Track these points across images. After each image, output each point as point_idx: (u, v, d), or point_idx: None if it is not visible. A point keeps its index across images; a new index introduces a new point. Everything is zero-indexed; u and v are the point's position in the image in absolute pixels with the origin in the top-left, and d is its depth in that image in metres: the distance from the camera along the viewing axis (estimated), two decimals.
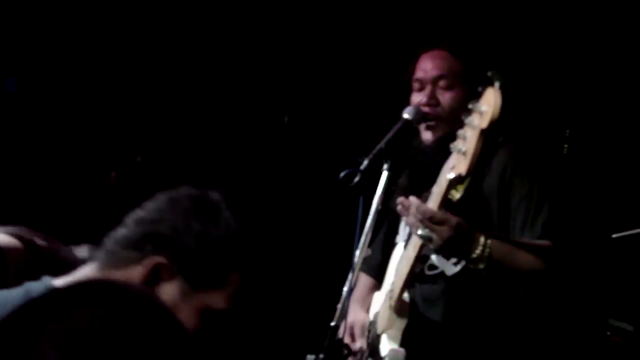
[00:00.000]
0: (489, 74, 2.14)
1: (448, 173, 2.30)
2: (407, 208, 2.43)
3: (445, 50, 2.76)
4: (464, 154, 2.20)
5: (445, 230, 2.37)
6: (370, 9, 4.20)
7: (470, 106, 2.19)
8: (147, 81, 4.32)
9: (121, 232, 1.70)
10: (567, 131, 4.06)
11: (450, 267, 2.63)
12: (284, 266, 4.18)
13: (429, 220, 2.37)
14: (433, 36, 2.88)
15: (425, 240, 2.40)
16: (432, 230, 2.38)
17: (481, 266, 2.44)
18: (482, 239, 2.43)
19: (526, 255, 2.53)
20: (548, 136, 3.92)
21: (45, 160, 4.26)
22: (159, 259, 1.64)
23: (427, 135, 2.71)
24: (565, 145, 4.00)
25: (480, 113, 2.14)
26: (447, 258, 2.59)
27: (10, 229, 1.94)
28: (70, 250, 2.01)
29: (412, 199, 2.43)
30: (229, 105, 4.42)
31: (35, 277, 1.70)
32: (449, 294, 2.65)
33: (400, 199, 2.46)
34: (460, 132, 2.23)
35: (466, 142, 2.20)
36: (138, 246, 1.67)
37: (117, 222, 1.74)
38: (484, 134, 2.15)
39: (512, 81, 2.21)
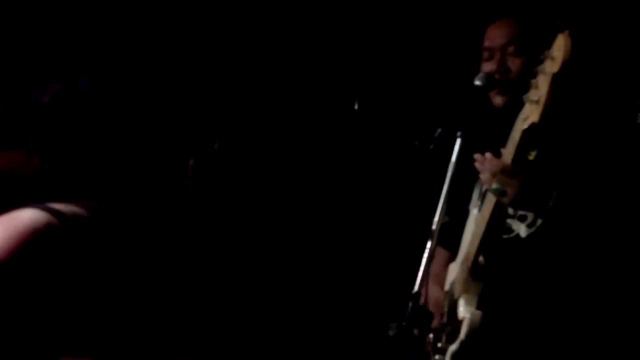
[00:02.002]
0: (559, 22, 2.16)
1: (521, 124, 2.31)
2: (482, 162, 2.46)
3: (512, 18, 2.78)
4: (537, 102, 2.22)
5: (516, 183, 2.41)
6: None
7: (541, 56, 2.21)
8: (219, 69, 4.38)
9: None
10: None
11: (524, 229, 2.63)
12: (367, 238, 4.22)
13: (501, 173, 2.40)
14: (497, 8, 2.89)
15: (498, 193, 2.44)
16: (504, 183, 2.41)
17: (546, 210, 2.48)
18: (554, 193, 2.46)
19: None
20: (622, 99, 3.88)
21: (120, 154, 4.34)
22: None
23: (498, 100, 2.72)
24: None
25: (552, 59, 2.16)
26: (520, 210, 2.59)
27: None
28: None
29: (487, 154, 2.46)
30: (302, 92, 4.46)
31: None
32: (524, 256, 2.66)
33: (476, 155, 2.49)
34: (532, 81, 2.26)
35: (539, 89, 2.22)
36: None
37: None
38: (557, 79, 2.16)
39: (584, 33, 2.22)
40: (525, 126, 2.30)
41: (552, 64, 2.18)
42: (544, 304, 2.62)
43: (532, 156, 2.64)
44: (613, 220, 2.57)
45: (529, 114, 2.28)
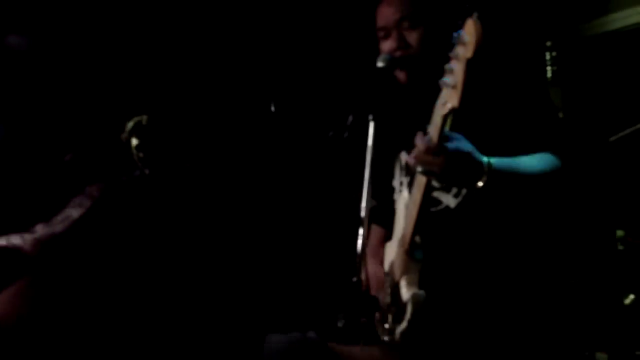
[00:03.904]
0: (467, 5, 2.18)
1: (441, 109, 2.32)
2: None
3: None
4: (454, 87, 2.22)
5: (441, 161, 2.38)
6: None
7: (453, 40, 2.22)
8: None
9: None
10: (549, 43, 4.10)
11: (452, 200, 2.65)
12: (298, 234, 4.24)
13: (425, 153, 2.39)
14: None
15: (427, 174, 2.42)
16: (430, 162, 2.39)
17: (480, 184, 2.43)
18: (484, 163, 2.43)
19: (528, 164, 2.54)
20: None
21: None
22: None
23: (403, 76, 2.74)
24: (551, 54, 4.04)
25: (464, 44, 2.17)
26: (452, 187, 2.58)
27: None
28: None
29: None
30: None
31: None
32: (456, 226, 2.67)
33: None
34: (447, 66, 2.26)
35: (454, 74, 2.23)
36: None
37: None
38: (470, 63, 2.17)
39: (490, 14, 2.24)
40: (446, 111, 2.29)
41: (464, 49, 2.18)
42: (484, 271, 2.65)
43: (447, 125, 2.64)
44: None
45: (448, 99, 2.27)
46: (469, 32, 2.16)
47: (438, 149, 2.38)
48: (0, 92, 4.23)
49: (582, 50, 4.53)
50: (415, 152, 2.42)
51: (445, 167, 2.38)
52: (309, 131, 4.16)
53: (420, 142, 2.41)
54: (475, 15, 2.16)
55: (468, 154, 2.42)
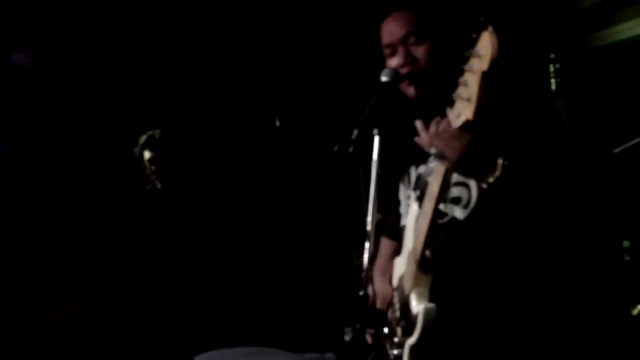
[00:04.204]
0: (481, 19, 2.18)
1: (455, 122, 2.31)
2: (425, 128, 2.44)
3: (404, 9, 2.79)
4: (468, 100, 2.22)
5: (459, 145, 2.37)
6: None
7: (466, 53, 2.21)
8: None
9: None
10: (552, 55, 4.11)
11: (460, 211, 2.65)
12: (304, 250, 4.24)
13: (442, 133, 2.38)
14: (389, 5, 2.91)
15: (439, 157, 2.40)
16: (445, 145, 2.38)
17: (490, 180, 2.41)
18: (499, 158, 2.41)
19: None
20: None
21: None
22: None
23: (411, 91, 2.74)
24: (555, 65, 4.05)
25: (479, 57, 2.17)
26: (465, 175, 2.55)
27: None
28: None
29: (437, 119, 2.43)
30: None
31: None
32: (464, 238, 2.67)
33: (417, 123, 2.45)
34: (460, 79, 2.25)
35: (468, 87, 2.22)
36: None
37: None
38: (486, 77, 2.17)
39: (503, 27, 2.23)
40: (459, 123, 2.29)
41: (479, 62, 2.18)
42: (491, 284, 2.64)
43: None
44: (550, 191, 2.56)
45: (461, 111, 2.27)
46: (485, 45, 2.16)
47: (459, 133, 2.36)
48: (4, 110, 4.25)
49: (586, 62, 4.54)
50: (433, 131, 2.40)
51: (466, 151, 2.37)
52: (314, 145, 4.16)
53: (439, 123, 2.40)
54: (490, 28, 2.16)
55: (485, 145, 2.40)
